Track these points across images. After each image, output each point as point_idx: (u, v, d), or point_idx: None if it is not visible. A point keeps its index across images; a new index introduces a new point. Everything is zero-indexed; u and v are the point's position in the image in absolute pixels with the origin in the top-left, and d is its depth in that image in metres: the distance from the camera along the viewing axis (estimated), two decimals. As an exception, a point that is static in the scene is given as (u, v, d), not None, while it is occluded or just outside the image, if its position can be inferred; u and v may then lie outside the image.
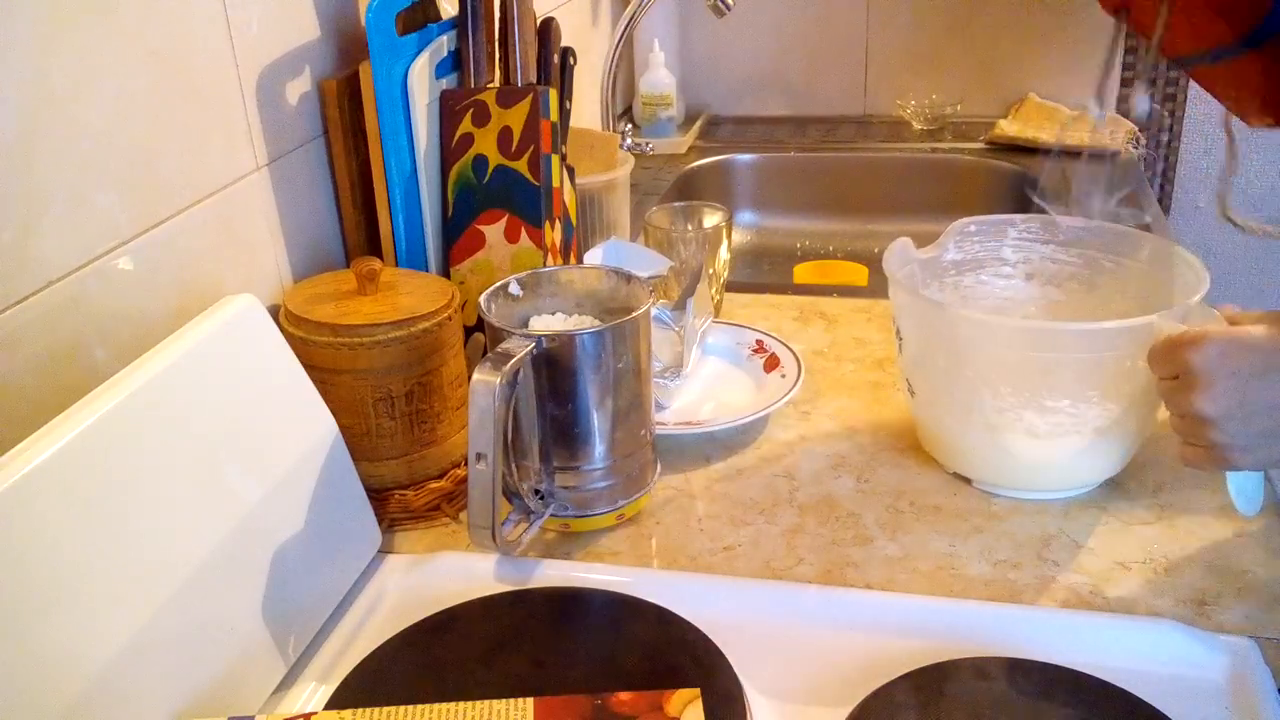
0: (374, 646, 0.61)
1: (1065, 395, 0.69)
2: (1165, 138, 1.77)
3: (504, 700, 0.51)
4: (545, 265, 0.86)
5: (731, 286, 1.08)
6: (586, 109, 1.48)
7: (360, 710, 0.50)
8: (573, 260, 0.94)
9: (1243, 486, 0.66)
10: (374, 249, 0.87)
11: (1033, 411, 0.70)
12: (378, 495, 0.74)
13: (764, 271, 1.56)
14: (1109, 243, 0.80)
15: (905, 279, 0.76)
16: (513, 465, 0.70)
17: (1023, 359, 0.70)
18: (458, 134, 0.86)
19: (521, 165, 0.85)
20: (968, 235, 0.83)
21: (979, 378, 0.71)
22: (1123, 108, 1.72)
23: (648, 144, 1.63)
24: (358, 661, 0.60)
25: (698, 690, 0.52)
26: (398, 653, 0.60)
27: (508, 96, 0.86)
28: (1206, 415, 0.61)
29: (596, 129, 1.47)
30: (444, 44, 0.86)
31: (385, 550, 0.72)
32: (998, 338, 0.70)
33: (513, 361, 0.64)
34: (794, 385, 0.86)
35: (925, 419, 0.79)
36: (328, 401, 0.68)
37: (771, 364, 0.91)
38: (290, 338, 0.69)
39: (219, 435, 0.59)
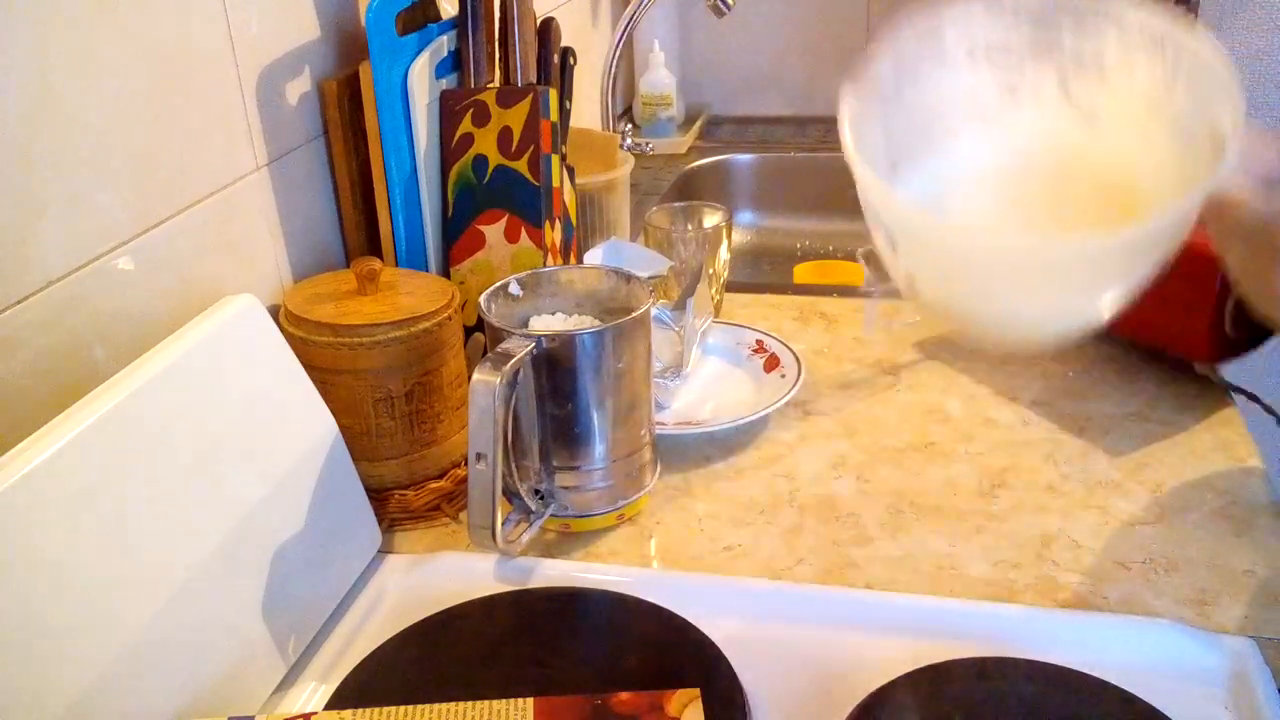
0: (374, 646, 0.61)
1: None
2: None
3: (504, 700, 0.51)
4: (545, 265, 0.86)
5: (731, 286, 1.08)
6: (586, 109, 1.48)
7: (360, 710, 0.50)
8: (573, 260, 0.94)
9: None
10: (374, 249, 0.87)
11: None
12: (378, 495, 0.74)
13: (764, 271, 1.56)
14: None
15: (859, 134, 0.62)
16: (513, 465, 0.70)
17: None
18: (458, 134, 0.86)
19: (521, 165, 0.86)
20: (900, 40, 0.66)
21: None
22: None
23: (648, 144, 1.63)
24: (358, 661, 0.60)
25: (698, 690, 0.52)
26: (398, 653, 0.60)
27: (508, 96, 0.86)
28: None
29: (596, 129, 1.47)
30: (444, 44, 0.86)
31: (385, 550, 0.72)
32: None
33: (513, 361, 0.64)
34: (794, 385, 0.86)
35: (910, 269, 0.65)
36: (328, 401, 0.68)
37: (771, 364, 0.91)
38: (290, 338, 0.69)
39: (219, 435, 0.59)
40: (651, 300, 0.72)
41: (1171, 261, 0.76)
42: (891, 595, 0.66)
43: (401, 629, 0.62)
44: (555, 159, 0.88)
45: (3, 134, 0.55)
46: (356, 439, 0.72)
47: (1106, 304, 0.61)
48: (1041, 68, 0.67)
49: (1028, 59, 0.67)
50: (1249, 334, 0.82)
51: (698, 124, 1.72)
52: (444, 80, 0.86)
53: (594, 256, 0.94)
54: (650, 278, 0.90)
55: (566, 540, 0.73)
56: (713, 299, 1.02)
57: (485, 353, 0.66)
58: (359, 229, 0.87)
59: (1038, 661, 0.58)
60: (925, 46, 0.68)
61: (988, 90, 0.68)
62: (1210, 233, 0.57)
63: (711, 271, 1.01)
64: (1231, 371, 0.86)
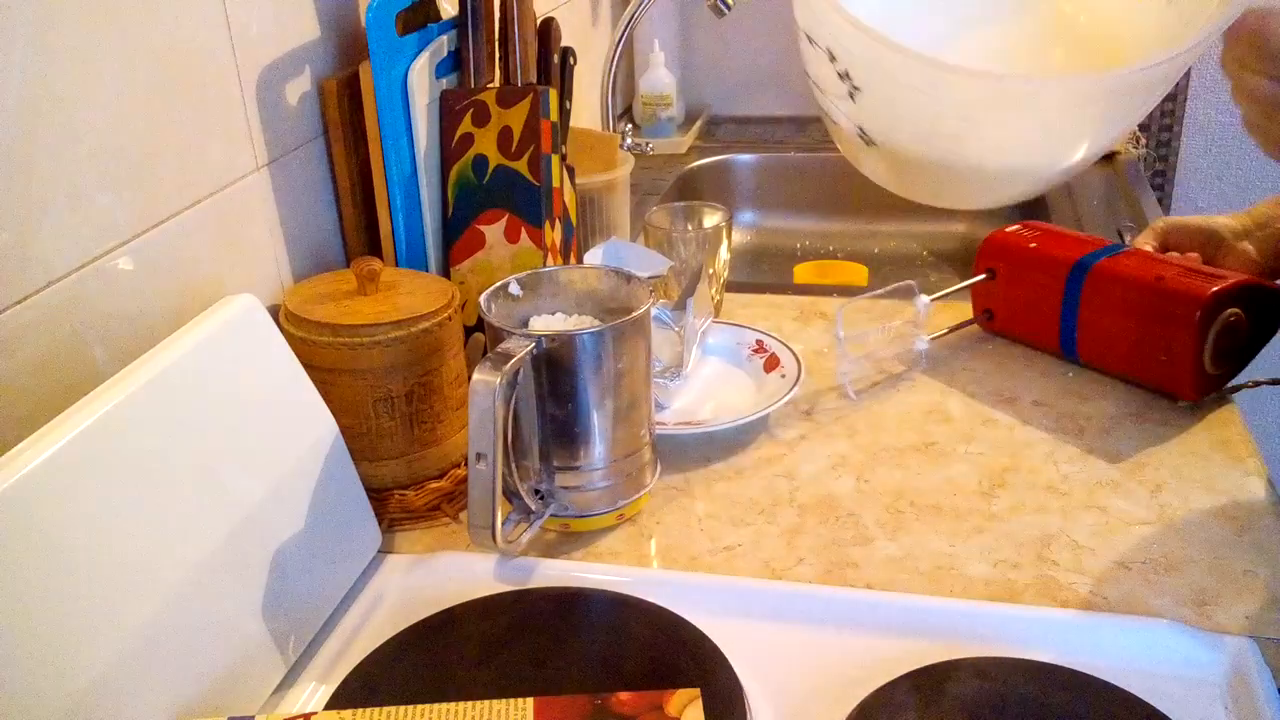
0: (374, 646, 0.61)
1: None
2: (1165, 137, 1.77)
3: (504, 700, 0.51)
4: (545, 265, 0.86)
5: (731, 286, 1.08)
6: (586, 109, 1.48)
7: (360, 710, 0.50)
8: (573, 260, 0.94)
9: None
10: (374, 249, 0.87)
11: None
12: (378, 495, 0.74)
13: (764, 271, 1.56)
14: None
15: None
16: (513, 465, 0.70)
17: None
18: (458, 134, 0.86)
19: (521, 165, 0.86)
20: None
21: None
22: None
23: (648, 144, 1.63)
24: (358, 661, 0.60)
25: (698, 690, 0.52)
26: (398, 653, 0.60)
27: (508, 96, 0.86)
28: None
29: (596, 129, 1.47)
30: (444, 44, 0.86)
31: (385, 550, 0.72)
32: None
33: (513, 361, 0.64)
34: (794, 385, 0.86)
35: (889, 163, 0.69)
36: (328, 401, 0.68)
37: (771, 364, 0.91)
38: (290, 338, 0.69)
39: (219, 435, 0.59)
40: (651, 300, 0.72)
41: (1153, 308, 0.78)
42: (891, 595, 0.66)
43: (401, 629, 0.62)
44: (555, 159, 0.88)
45: (3, 134, 0.55)
46: (356, 439, 0.72)
47: (1070, 149, 0.61)
48: None
49: None
50: (1229, 369, 0.83)
51: (698, 124, 1.72)
52: (444, 80, 0.86)
53: (594, 256, 0.94)
54: (650, 278, 0.90)
55: (566, 540, 0.73)
56: (713, 299, 1.02)
57: (485, 353, 0.66)
58: (359, 229, 0.87)
59: (1038, 661, 0.58)
60: None
61: None
62: (1231, 88, 0.59)
63: (711, 271, 1.01)
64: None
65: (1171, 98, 1.73)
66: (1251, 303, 0.81)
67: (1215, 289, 0.79)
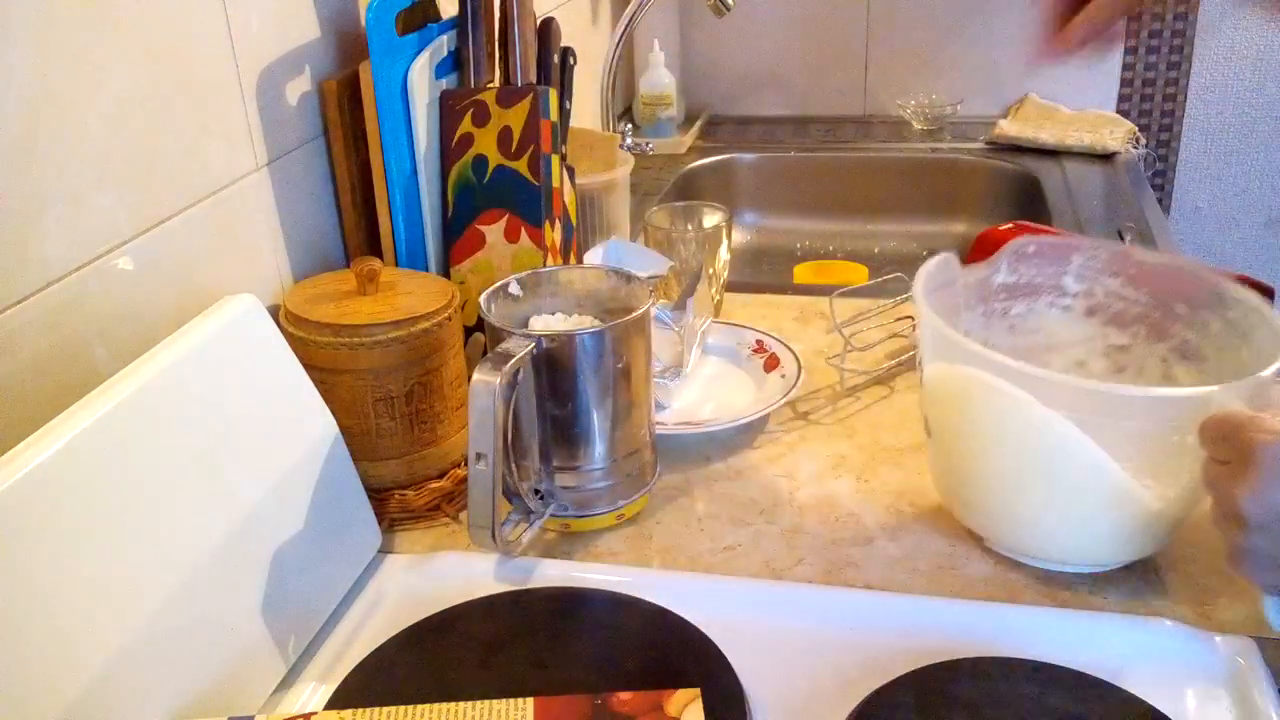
0: (374, 646, 0.61)
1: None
2: (1165, 137, 1.77)
3: (504, 700, 0.51)
4: (545, 265, 0.86)
5: (731, 286, 1.08)
6: (586, 109, 1.48)
7: (360, 710, 0.50)
8: (573, 260, 0.94)
9: None
10: (374, 249, 0.87)
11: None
12: (378, 495, 0.74)
13: (764, 271, 1.56)
14: (1188, 287, 0.69)
15: (936, 301, 0.67)
16: (513, 465, 0.70)
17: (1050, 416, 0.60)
18: (458, 134, 0.86)
19: (521, 165, 0.86)
20: (1024, 256, 0.74)
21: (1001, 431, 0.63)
22: (1123, 107, 1.72)
23: (648, 144, 1.63)
24: (358, 661, 0.60)
25: (698, 690, 0.52)
26: (398, 653, 0.60)
27: (508, 96, 0.86)
28: (1245, 514, 0.53)
29: (596, 129, 1.47)
30: (444, 44, 0.86)
31: (385, 550, 0.72)
32: (1025, 386, 0.60)
33: (513, 361, 0.64)
34: (794, 385, 0.86)
35: (941, 465, 0.71)
36: (328, 401, 0.68)
37: (771, 364, 0.91)
38: (290, 338, 0.69)
39: (219, 435, 0.59)
40: (651, 300, 0.72)
41: None
42: (891, 595, 0.66)
43: (401, 629, 0.62)
44: (555, 159, 0.88)
45: (3, 134, 0.55)
46: (356, 439, 0.72)
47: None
48: (1153, 346, 0.72)
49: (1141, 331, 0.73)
50: None
51: (698, 124, 1.72)
52: (444, 80, 0.86)
53: (594, 256, 0.94)
54: (650, 278, 0.90)
55: (566, 540, 0.73)
56: (713, 299, 1.02)
57: (485, 353, 0.66)
58: (359, 229, 0.87)
59: (1038, 661, 0.57)
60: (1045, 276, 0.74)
61: (1094, 343, 0.74)
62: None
63: (711, 271, 1.01)
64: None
65: (1172, 98, 1.73)
66: None
67: None
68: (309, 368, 0.68)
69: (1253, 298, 0.66)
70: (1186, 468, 0.60)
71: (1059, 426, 0.60)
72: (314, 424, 0.67)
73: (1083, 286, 0.74)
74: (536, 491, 0.72)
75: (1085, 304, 0.75)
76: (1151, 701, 0.55)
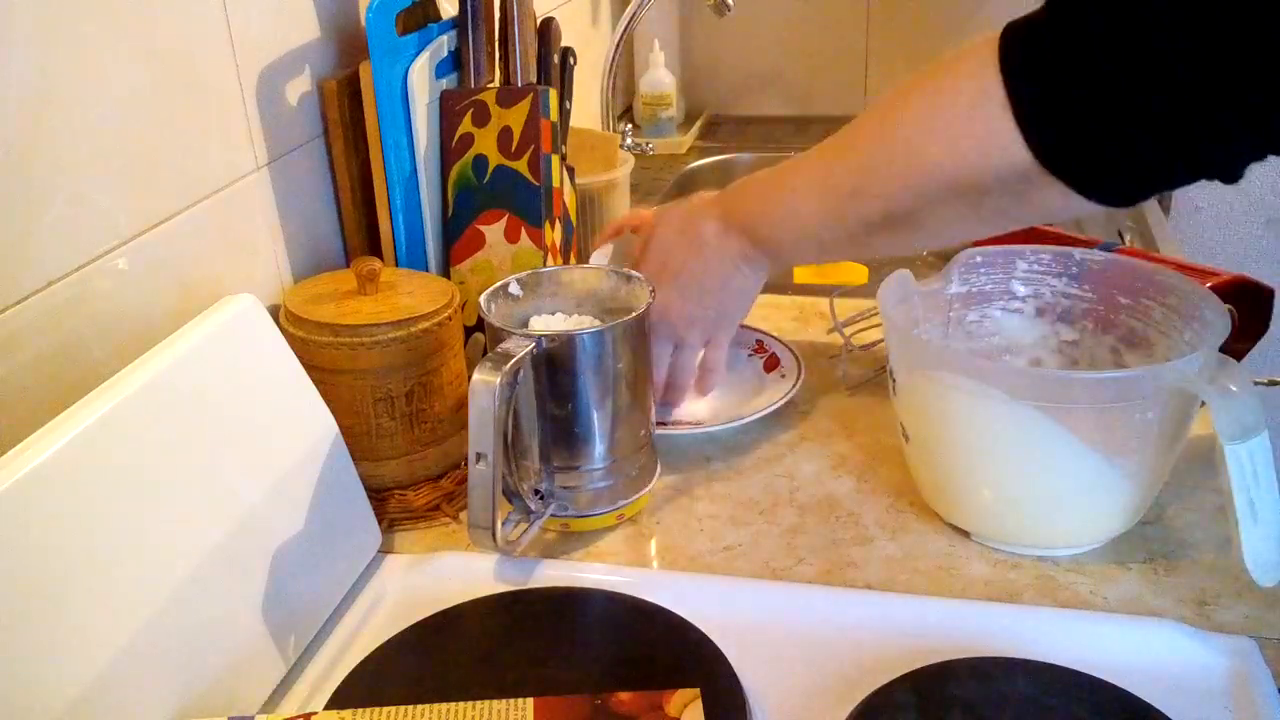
0: (374, 646, 0.61)
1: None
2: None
3: (504, 700, 0.51)
4: (545, 265, 0.86)
5: (731, 286, 1.07)
6: (586, 109, 1.48)
7: (360, 710, 0.50)
8: (573, 260, 0.94)
9: (1258, 554, 0.60)
10: (374, 249, 0.87)
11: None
12: (378, 495, 0.74)
13: (764, 271, 1.56)
14: (1127, 279, 0.75)
15: (898, 315, 0.72)
16: (513, 465, 0.70)
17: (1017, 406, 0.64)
18: (458, 134, 0.86)
19: (521, 165, 0.86)
20: (973, 266, 0.78)
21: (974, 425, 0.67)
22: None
23: (648, 144, 1.63)
24: (358, 661, 0.60)
25: (698, 690, 0.52)
26: (398, 653, 0.60)
27: (508, 96, 0.86)
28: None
29: (596, 129, 1.47)
30: (444, 44, 0.86)
31: (385, 550, 0.72)
32: (990, 382, 0.64)
33: (513, 361, 0.64)
34: (794, 385, 0.86)
35: (920, 466, 0.74)
36: (328, 401, 0.68)
37: (771, 364, 0.91)
38: (290, 338, 0.69)
39: (219, 435, 0.59)
40: (651, 300, 0.72)
41: None
42: (891, 595, 0.66)
43: (401, 629, 0.62)
44: (555, 159, 0.88)
45: (3, 134, 0.55)
46: (356, 439, 0.72)
47: None
48: (1101, 337, 0.77)
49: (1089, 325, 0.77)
50: None
51: (698, 124, 1.72)
52: (444, 80, 0.86)
53: (602, 256, 0.94)
54: (650, 278, 0.90)
55: (566, 540, 0.73)
56: (713, 299, 1.02)
57: (485, 353, 0.66)
58: (359, 229, 0.87)
59: (1038, 661, 0.57)
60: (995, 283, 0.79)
61: (1048, 341, 0.79)
62: None
63: (711, 271, 1.01)
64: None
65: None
66: (1243, 301, 0.81)
67: (1210, 285, 0.79)
68: (309, 368, 0.68)
69: (1187, 283, 0.71)
70: (1151, 443, 0.65)
71: (1026, 414, 0.63)
72: (314, 424, 0.67)
73: (1030, 289, 0.79)
74: (536, 491, 0.72)
75: (1035, 305, 0.79)
76: (1151, 701, 0.55)
